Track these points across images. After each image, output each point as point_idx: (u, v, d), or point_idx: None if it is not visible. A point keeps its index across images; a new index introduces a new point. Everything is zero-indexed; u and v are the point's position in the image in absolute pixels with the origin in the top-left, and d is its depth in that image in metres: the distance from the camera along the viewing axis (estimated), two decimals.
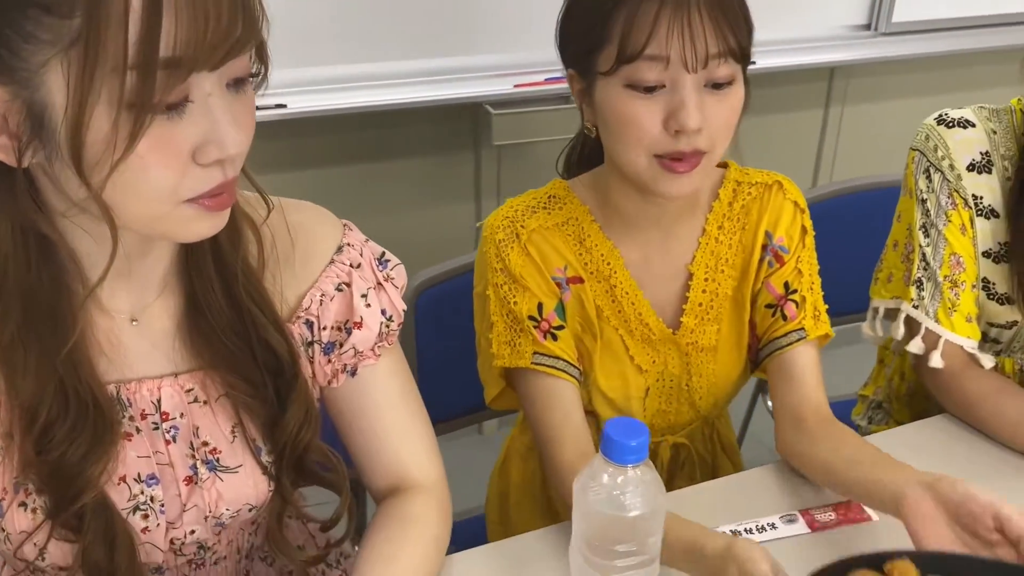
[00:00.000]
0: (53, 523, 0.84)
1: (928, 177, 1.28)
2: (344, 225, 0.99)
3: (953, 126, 1.28)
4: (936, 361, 1.27)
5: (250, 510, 0.94)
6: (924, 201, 1.29)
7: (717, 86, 0.99)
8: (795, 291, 1.17)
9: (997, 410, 1.22)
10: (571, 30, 1.07)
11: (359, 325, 0.95)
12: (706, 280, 1.18)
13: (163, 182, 0.72)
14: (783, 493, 1.12)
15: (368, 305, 0.96)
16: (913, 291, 1.29)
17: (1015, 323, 1.30)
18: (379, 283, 0.97)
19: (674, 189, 1.03)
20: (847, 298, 1.40)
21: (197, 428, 0.90)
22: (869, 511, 1.08)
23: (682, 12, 0.95)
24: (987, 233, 1.27)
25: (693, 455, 1.29)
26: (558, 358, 1.12)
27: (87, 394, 0.82)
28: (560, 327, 1.13)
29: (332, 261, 0.96)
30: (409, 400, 1.02)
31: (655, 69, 0.97)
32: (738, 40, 0.99)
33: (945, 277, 1.26)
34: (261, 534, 1.01)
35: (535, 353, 1.12)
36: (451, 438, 1.62)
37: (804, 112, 2.63)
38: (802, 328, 1.17)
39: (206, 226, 0.78)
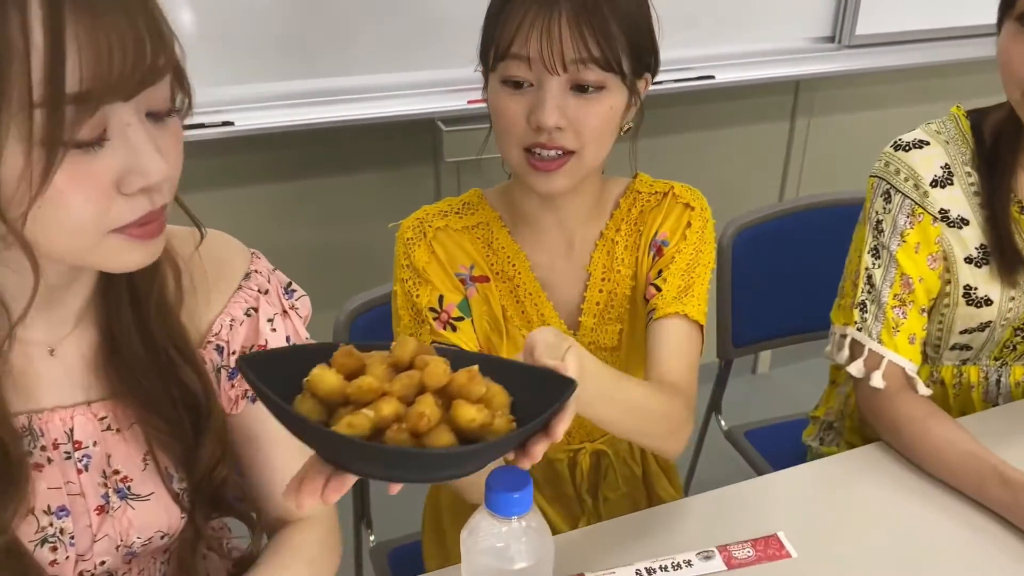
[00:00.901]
0: None
1: (887, 199, 1.29)
2: (252, 253, 1.00)
3: (910, 149, 1.30)
4: (877, 381, 1.27)
5: (162, 538, 0.94)
6: (879, 222, 1.29)
7: (583, 89, 1.03)
8: (660, 275, 1.18)
9: (922, 435, 1.21)
10: (482, 31, 1.12)
11: (263, 349, 0.96)
12: (603, 280, 1.21)
13: (85, 214, 0.71)
14: (700, 528, 1.10)
15: (274, 330, 0.97)
16: (856, 314, 1.30)
17: (988, 324, 1.31)
18: (284, 311, 0.99)
19: (543, 186, 1.08)
20: (813, 314, 1.38)
21: (110, 456, 0.90)
22: (788, 547, 1.07)
23: (544, 17, 1.01)
24: (963, 241, 1.29)
25: (614, 463, 1.30)
26: (455, 346, 1.14)
27: None
28: (460, 318, 1.16)
29: (240, 287, 0.97)
30: None
31: (521, 67, 1.04)
32: (603, 50, 1.02)
33: (895, 296, 1.27)
34: (174, 564, 0.99)
35: (433, 343, 1.12)
36: None
37: (770, 124, 2.61)
38: (655, 308, 1.17)
39: (136, 256, 0.77)
